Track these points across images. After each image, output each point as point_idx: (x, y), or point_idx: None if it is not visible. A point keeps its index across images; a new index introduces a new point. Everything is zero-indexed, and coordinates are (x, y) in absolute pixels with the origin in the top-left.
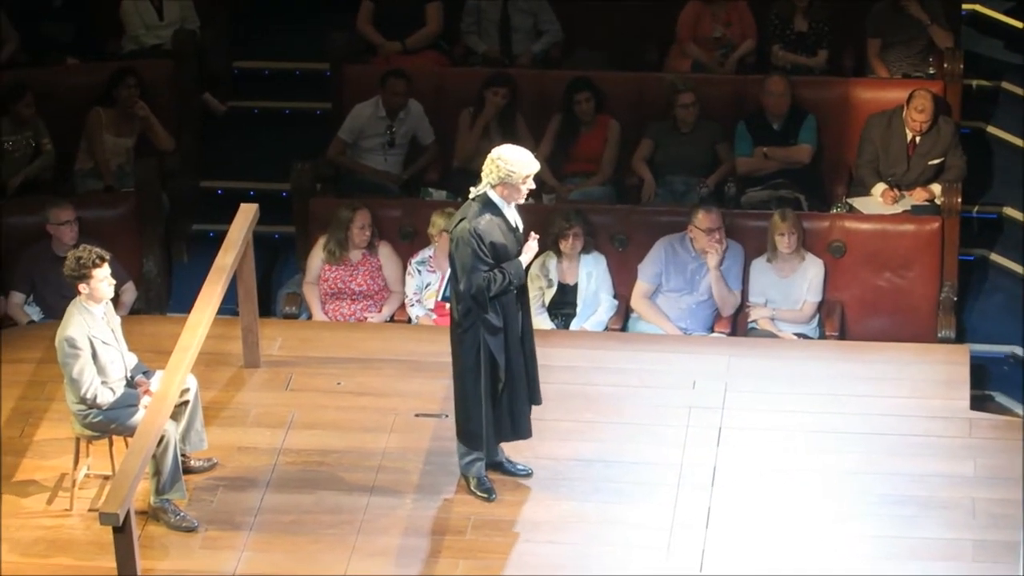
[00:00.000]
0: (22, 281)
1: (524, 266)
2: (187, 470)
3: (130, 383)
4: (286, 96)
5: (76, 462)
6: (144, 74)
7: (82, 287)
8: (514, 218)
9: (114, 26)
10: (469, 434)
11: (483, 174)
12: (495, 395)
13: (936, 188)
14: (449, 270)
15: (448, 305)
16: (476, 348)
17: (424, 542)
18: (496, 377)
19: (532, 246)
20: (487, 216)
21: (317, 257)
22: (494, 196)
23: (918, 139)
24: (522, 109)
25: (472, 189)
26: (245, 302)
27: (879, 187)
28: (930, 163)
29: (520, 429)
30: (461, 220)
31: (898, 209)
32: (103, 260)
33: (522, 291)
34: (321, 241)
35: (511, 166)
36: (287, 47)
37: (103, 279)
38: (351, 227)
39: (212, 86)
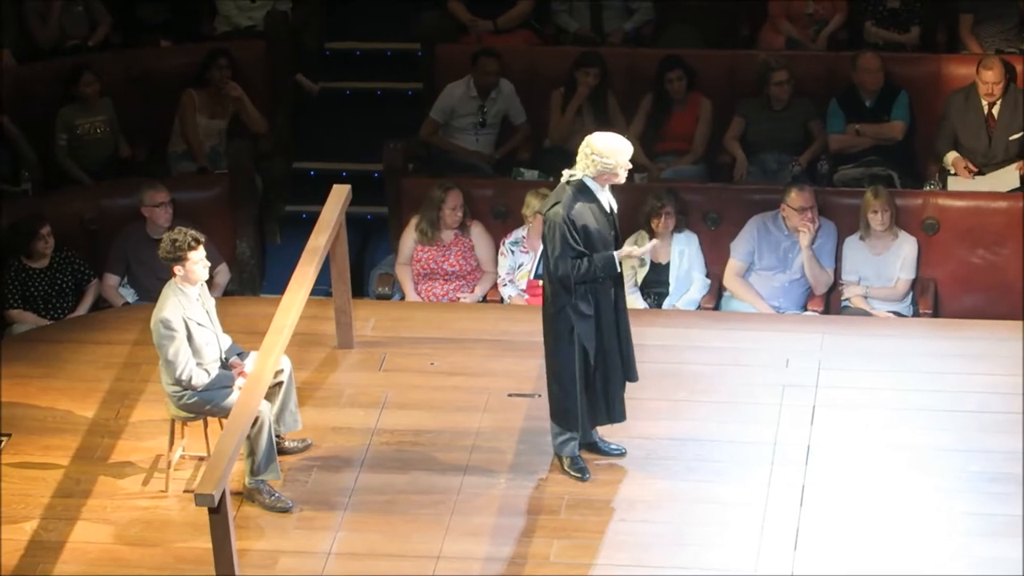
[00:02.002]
0: (117, 263)
1: (618, 259)
2: (281, 451)
3: (224, 364)
4: (378, 76)
5: (171, 443)
6: (237, 55)
7: (177, 269)
8: (608, 200)
9: (207, 7)
10: (563, 413)
11: (578, 164)
12: (588, 377)
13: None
14: (541, 250)
15: (541, 283)
16: (568, 329)
17: (518, 521)
18: (587, 360)
19: (637, 250)
20: (581, 201)
21: (409, 237)
22: (589, 181)
23: (995, 112)
24: (614, 88)
25: (566, 172)
26: (338, 283)
27: (951, 155)
28: (1012, 138)
29: (614, 413)
30: (555, 204)
31: (1000, 185)
32: (198, 242)
33: (618, 274)
34: (413, 221)
35: (606, 157)
36: (378, 27)
37: (198, 261)
38: (443, 207)
39: (304, 67)
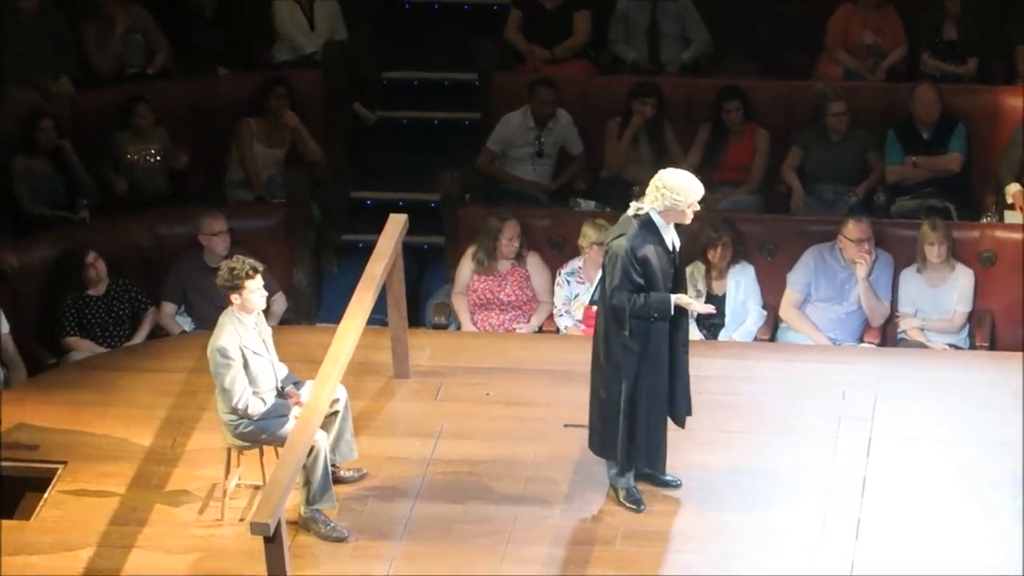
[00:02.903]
0: (174, 291)
1: (674, 303)
2: (337, 480)
3: (280, 393)
4: (435, 106)
5: (227, 472)
6: (294, 84)
7: (234, 297)
8: (672, 239)
9: (265, 36)
10: (609, 445)
11: (647, 197)
12: (633, 414)
13: None
14: (599, 278)
15: (595, 309)
16: (616, 361)
17: (573, 552)
18: (631, 394)
19: (696, 304)
20: (645, 236)
21: (466, 267)
22: (656, 217)
23: None
24: (670, 118)
25: (633, 204)
26: (394, 312)
27: (1012, 187)
28: None
29: (654, 461)
30: (620, 235)
31: None
32: (256, 271)
33: (680, 312)
34: (470, 251)
35: (677, 194)
36: (436, 57)
37: (255, 290)
38: (500, 237)
39: (362, 96)
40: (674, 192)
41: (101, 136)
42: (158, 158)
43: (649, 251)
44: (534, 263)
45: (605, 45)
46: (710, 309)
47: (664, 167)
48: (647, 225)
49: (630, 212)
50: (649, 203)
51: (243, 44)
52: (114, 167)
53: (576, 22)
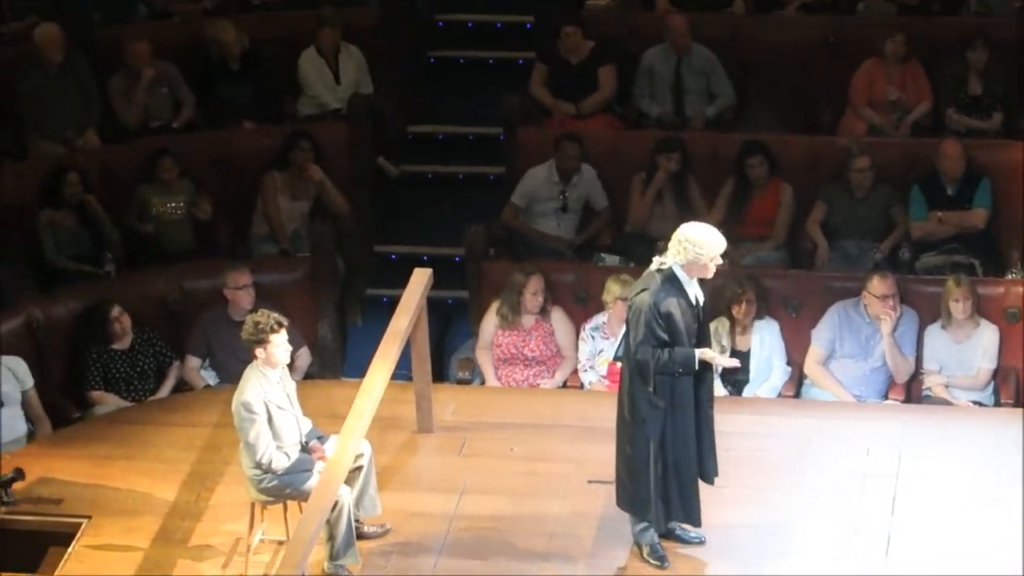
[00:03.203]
0: (198, 345)
1: (698, 357)
2: (361, 535)
3: (304, 448)
4: (460, 160)
5: (251, 526)
6: (319, 138)
7: (259, 352)
8: (695, 293)
9: (290, 89)
10: (636, 501)
11: (669, 250)
12: (663, 468)
13: None
14: (623, 332)
15: (620, 366)
16: (642, 416)
17: None
18: (661, 451)
19: (720, 359)
20: (668, 290)
21: (490, 322)
22: (679, 271)
23: None
24: (695, 172)
25: (656, 259)
26: (419, 367)
27: None
28: None
29: (690, 513)
30: (643, 290)
31: None
32: (281, 325)
33: (705, 366)
34: (494, 306)
35: (699, 248)
36: (460, 111)
37: (280, 344)
38: (524, 292)
39: (386, 150)
40: (696, 246)
41: (127, 189)
42: (183, 210)
43: (673, 306)
44: (558, 318)
45: (630, 100)
46: (735, 363)
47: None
48: (670, 279)
49: (653, 267)
50: (672, 257)
51: (268, 97)
52: (140, 219)
53: (601, 77)
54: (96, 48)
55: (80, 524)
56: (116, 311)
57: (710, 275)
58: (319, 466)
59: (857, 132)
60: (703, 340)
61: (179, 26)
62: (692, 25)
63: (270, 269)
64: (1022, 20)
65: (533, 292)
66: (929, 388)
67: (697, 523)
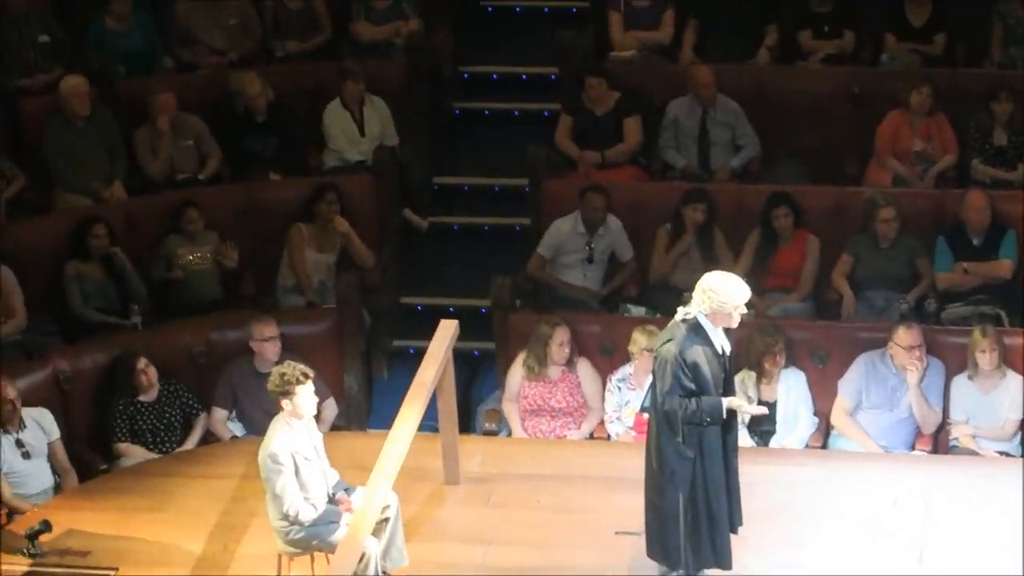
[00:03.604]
0: (225, 397)
1: (726, 406)
2: None
3: (331, 499)
4: (486, 211)
5: None
6: (345, 189)
7: (285, 403)
8: (721, 343)
9: (315, 141)
10: (668, 550)
11: (694, 300)
12: (694, 517)
13: None
14: (650, 383)
15: (647, 418)
16: (672, 467)
17: None
18: (692, 500)
19: (747, 407)
20: (694, 340)
21: (517, 373)
22: (704, 321)
23: None
24: (720, 224)
25: (680, 309)
26: (445, 418)
27: None
28: None
29: (722, 558)
30: (668, 341)
31: None
32: (307, 377)
33: (731, 415)
34: (521, 357)
35: (723, 296)
36: (486, 162)
37: (307, 396)
38: (550, 343)
39: (412, 201)
40: (720, 295)
41: (153, 241)
42: (209, 261)
43: (699, 355)
44: (584, 369)
45: (655, 151)
46: (762, 410)
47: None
48: (695, 329)
49: (678, 317)
50: (696, 307)
51: (294, 149)
52: (167, 270)
53: (626, 128)
54: (121, 101)
55: None
56: (142, 363)
57: (735, 324)
58: (346, 518)
59: (882, 183)
60: (729, 389)
61: (204, 79)
62: (717, 76)
63: (296, 321)
64: None
65: (559, 343)
66: (956, 439)
67: (728, 564)
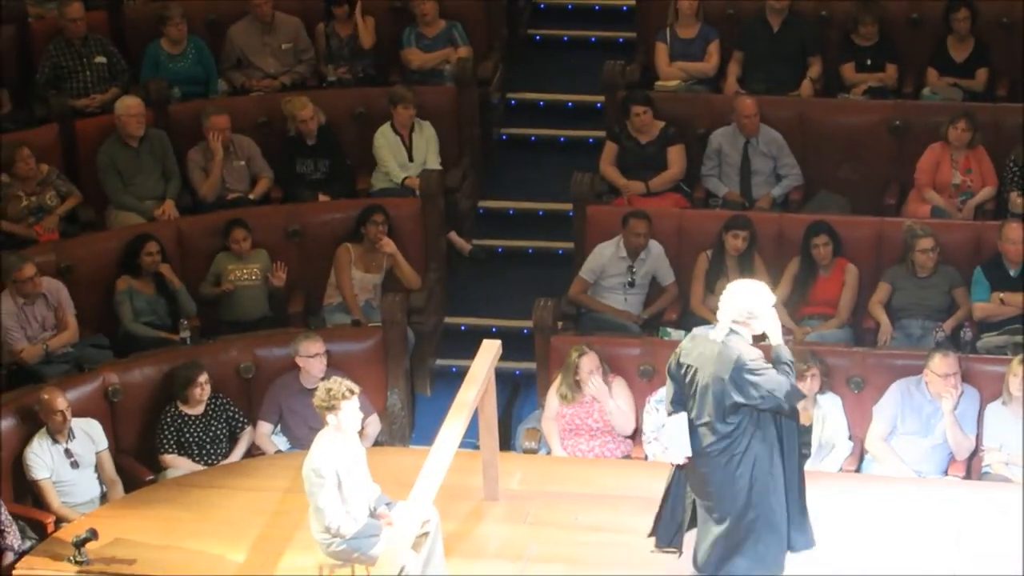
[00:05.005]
0: (271, 411)
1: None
2: None
3: (372, 513)
4: (530, 235)
5: None
6: (392, 212)
7: (330, 418)
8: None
9: (365, 164)
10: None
11: (722, 313)
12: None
13: None
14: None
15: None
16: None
17: None
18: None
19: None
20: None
21: (554, 396)
22: (737, 329)
23: None
24: (761, 251)
25: (707, 329)
26: (486, 436)
27: None
28: None
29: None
30: (718, 356)
31: None
32: (352, 393)
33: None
34: (556, 383)
35: (746, 303)
36: (531, 187)
37: (351, 411)
38: (579, 371)
39: (458, 224)
40: (746, 303)
41: (204, 259)
42: (258, 279)
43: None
44: (618, 388)
45: (698, 179)
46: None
47: None
48: (735, 337)
49: (711, 335)
50: (726, 321)
51: (344, 172)
52: (216, 287)
53: (670, 156)
54: (175, 122)
55: None
56: (203, 377)
57: (758, 331)
58: (387, 531)
59: (921, 215)
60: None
61: (257, 102)
62: (760, 108)
63: (342, 339)
64: None
65: (588, 371)
66: (989, 465)
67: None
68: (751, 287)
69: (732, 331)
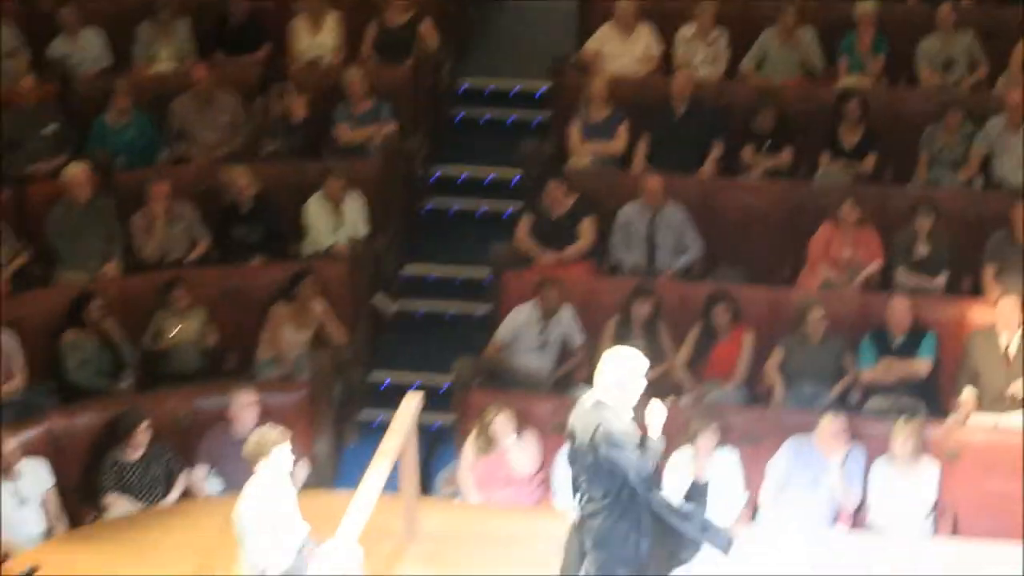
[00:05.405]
0: (206, 457)
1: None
2: None
3: (300, 553)
4: (450, 298)
5: None
6: (321, 275)
7: (261, 463)
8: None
9: (297, 230)
10: None
11: (598, 381)
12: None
13: None
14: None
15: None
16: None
17: None
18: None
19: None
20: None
21: (470, 449)
22: (611, 399)
23: (1012, 350)
24: (665, 318)
25: (586, 393)
26: (407, 482)
27: (967, 392)
28: None
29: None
30: (597, 425)
31: (1013, 421)
32: (282, 440)
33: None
34: (472, 435)
35: (625, 374)
36: (451, 255)
37: (282, 458)
38: (493, 429)
39: (383, 287)
40: (622, 373)
41: (144, 315)
42: (195, 335)
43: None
44: (529, 441)
45: (607, 250)
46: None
47: (658, 364)
48: (605, 407)
49: (587, 401)
50: (603, 388)
51: (277, 237)
52: (155, 342)
53: (582, 228)
54: (120, 188)
55: None
56: (145, 424)
57: (635, 400)
58: (313, 569)
59: (813, 286)
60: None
61: (197, 171)
62: (666, 185)
63: (273, 391)
64: (965, 192)
65: (502, 427)
66: (874, 519)
67: None
68: (619, 358)
69: (601, 401)
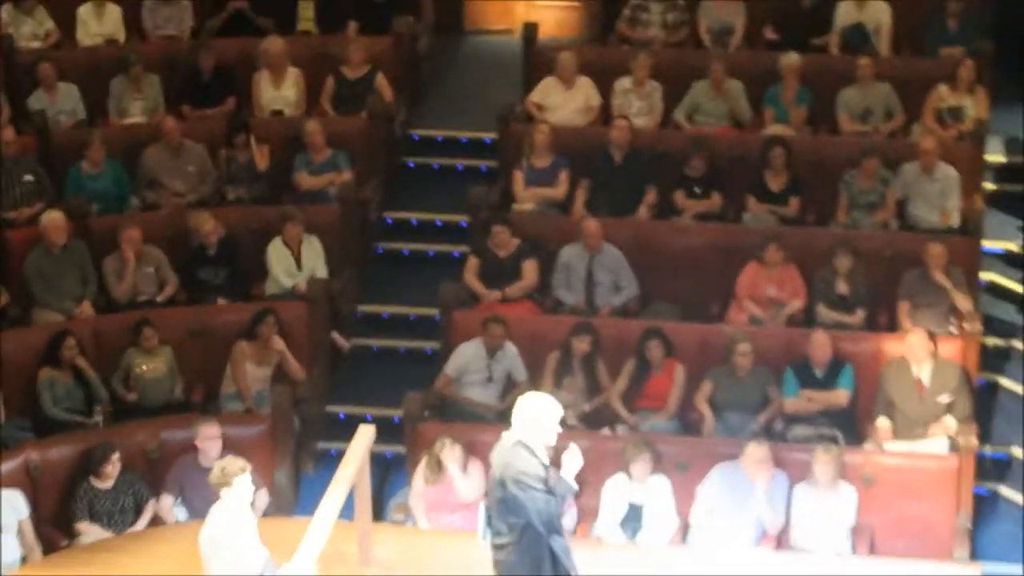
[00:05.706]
0: (172, 486)
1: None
2: None
3: None
4: (402, 335)
5: None
6: (282, 314)
7: (224, 492)
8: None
9: (259, 272)
10: None
11: (515, 422)
12: None
13: (952, 427)
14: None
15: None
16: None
17: None
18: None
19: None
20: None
21: (419, 477)
22: (529, 439)
23: (923, 378)
24: (602, 352)
25: (505, 433)
26: (361, 509)
27: (882, 420)
28: (939, 400)
29: None
30: (507, 466)
31: (930, 448)
32: (244, 470)
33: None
34: (421, 465)
35: (541, 415)
36: (403, 295)
37: (244, 486)
38: (442, 459)
39: (339, 326)
40: (536, 413)
41: (115, 353)
42: (163, 372)
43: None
44: (476, 470)
45: (549, 290)
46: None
47: (596, 396)
48: (526, 448)
49: (504, 440)
50: (520, 430)
51: (240, 279)
52: (125, 381)
53: (525, 269)
54: (94, 233)
55: None
56: (116, 456)
57: (553, 441)
58: None
59: (741, 322)
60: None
61: (166, 217)
62: (603, 228)
63: (236, 424)
64: (881, 233)
65: (450, 459)
66: (796, 540)
67: None
68: (535, 402)
69: (521, 441)
